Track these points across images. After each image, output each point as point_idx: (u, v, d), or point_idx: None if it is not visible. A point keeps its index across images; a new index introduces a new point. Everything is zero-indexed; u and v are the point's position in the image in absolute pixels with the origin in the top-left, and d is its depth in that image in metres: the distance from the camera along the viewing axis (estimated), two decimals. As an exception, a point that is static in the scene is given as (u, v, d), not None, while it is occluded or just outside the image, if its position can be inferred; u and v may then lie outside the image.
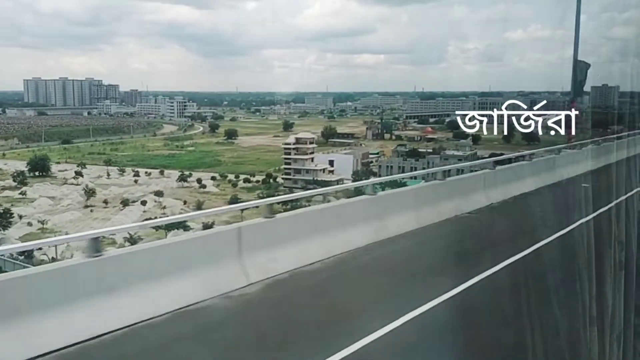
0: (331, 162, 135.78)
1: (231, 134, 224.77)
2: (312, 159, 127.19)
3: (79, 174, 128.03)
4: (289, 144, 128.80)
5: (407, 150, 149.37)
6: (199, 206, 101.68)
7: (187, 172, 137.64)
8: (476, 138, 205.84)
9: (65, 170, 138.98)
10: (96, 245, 6.17)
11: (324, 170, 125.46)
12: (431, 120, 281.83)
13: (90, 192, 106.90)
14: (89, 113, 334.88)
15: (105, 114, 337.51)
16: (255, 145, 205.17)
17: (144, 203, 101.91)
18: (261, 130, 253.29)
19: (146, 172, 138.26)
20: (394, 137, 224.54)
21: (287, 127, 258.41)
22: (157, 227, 75.76)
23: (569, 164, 21.90)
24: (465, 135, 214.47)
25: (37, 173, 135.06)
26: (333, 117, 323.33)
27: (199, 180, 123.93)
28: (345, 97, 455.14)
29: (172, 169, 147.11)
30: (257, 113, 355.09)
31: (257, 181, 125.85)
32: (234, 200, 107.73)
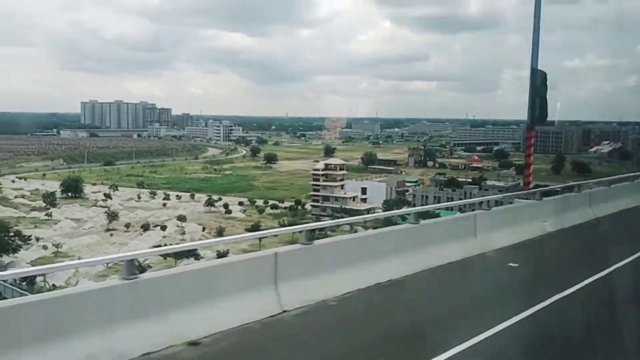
0: (364, 190, 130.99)
1: (270, 158, 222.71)
2: (342, 186, 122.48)
3: (108, 196, 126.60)
4: (318, 169, 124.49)
5: (446, 179, 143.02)
6: (220, 232, 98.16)
7: (216, 197, 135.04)
8: (522, 168, 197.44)
9: (99, 192, 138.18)
10: (131, 268, 5.86)
11: (353, 198, 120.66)
12: (478, 148, 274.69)
13: (112, 216, 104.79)
14: (139, 135, 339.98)
15: (154, 136, 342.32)
16: (293, 170, 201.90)
17: (163, 228, 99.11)
18: (302, 155, 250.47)
19: (177, 196, 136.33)
20: (437, 165, 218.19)
21: (329, 152, 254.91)
22: (165, 255, 72.39)
23: (619, 197, 20.42)
24: (509, 164, 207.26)
25: (69, 194, 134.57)
26: (378, 143, 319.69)
27: (225, 206, 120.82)
28: (394, 123, 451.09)
29: (204, 193, 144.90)
30: (302, 138, 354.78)
31: (285, 207, 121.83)
32: (256, 227, 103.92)
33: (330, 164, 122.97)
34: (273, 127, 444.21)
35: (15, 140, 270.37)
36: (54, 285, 66.74)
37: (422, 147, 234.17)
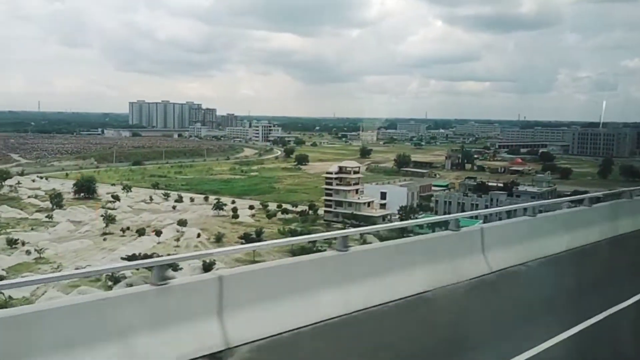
0: (383, 195, 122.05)
1: (301, 160, 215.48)
2: (357, 191, 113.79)
3: (116, 197, 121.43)
4: (331, 173, 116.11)
5: (475, 184, 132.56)
6: (219, 239, 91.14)
7: (230, 200, 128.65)
8: (567, 172, 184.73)
9: (114, 192, 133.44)
10: (161, 272, 5.66)
11: (368, 203, 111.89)
12: (523, 150, 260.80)
13: (110, 219, 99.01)
14: (180, 135, 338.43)
15: (195, 136, 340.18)
16: (322, 172, 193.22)
17: (159, 234, 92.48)
18: (337, 157, 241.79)
19: (190, 198, 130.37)
20: (475, 168, 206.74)
21: (365, 153, 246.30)
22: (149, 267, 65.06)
23: None
24: (553, 168, 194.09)
25: (82, 195, 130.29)
26: (420, 145, 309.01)
27: (234, 210, 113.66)
28: (442, 124, 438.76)
29: (222, 195, 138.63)
30: (343, 139, 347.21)
31: (298, 212, 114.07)
32: (259, 233, 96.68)
33: (345, 167, 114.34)
34: (317, 128, 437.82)
35: (57, 139, 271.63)
36: (10, 297, 60.75)
37: (460, 149, 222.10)
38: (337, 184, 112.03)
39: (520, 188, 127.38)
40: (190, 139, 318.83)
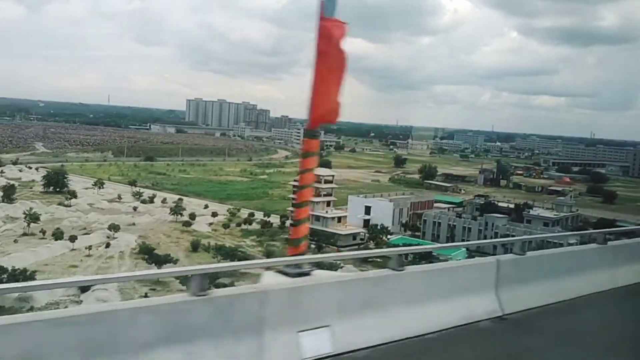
0: (368, 209, 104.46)
1: (322, 165, 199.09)
2: (329, 203, 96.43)
3: (73, 194, 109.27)
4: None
5: (482, 203, 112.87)
6: (143, 250, 76.40)
7: (206, 203, 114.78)
8: (610, 196, 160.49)
9: (89, 188, 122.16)
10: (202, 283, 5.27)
11: (340, 218, 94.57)
12: (575, 169, 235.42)
13: (33, 219, 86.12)
14: (223, 134, 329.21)
15: (239, 136, 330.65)
16: (344, 179, 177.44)
17: (73, 239, 78.58)
18: (370, 164, 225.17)
19: (163, 199, 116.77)
20: (511, 185, 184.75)
21: (399, 162, 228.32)
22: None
23: None
24: (598, 190, 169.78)
25: (51, 188, 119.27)
26: (467, 157, 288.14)
27: (191, 216, 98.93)
28: (504, 138, 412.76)
29: (206, 198, 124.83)
30: (392, 147, 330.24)
31: (262, 224, 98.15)
32: (196, 244, 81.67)
33: (320, 175, 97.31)
34: (372, 135, 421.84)
35: (95, 131, 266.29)
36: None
37: (497, 164, 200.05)
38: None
39: (533, 212, 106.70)
40: (231, 138, 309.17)
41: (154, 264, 66.59)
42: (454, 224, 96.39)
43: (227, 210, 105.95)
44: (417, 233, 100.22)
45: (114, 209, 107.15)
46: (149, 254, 73.11)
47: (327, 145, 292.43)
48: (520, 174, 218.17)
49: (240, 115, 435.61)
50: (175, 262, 67.82)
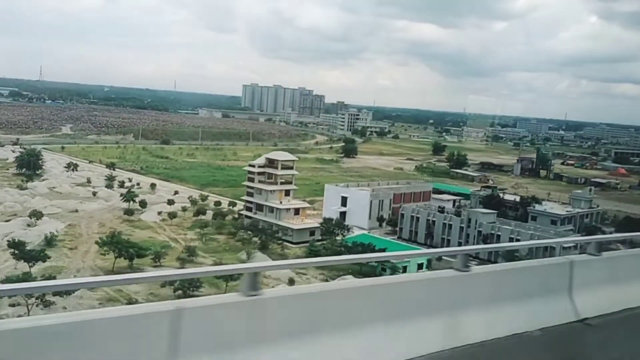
0: (344, 201, 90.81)
1: (349, 152, 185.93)
2: (287, 192, 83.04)
3: (29, 177, 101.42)
4: (254, 166, 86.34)
5: (486, 195, 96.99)
6: (49, 241, 66.37)
7: (177, 189, 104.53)
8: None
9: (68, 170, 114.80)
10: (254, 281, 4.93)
11: (297, 210, 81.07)
12: (635, 160, 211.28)
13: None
14: (269, 119, 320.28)
15: (283, 121, 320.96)
16: (365, 166, 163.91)
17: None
18: (408, 151, 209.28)
19: (137, 184, 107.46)
20: (551, 176, 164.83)
21: (438, 150, 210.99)
22: None
23: None
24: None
25: (24, 170, 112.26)
26: (518, 145, 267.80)
27: (142, 203, 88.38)
28: (573, 127, 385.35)
29: (188, 184, 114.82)
30: (445, 134, 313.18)
31: (218, 214, 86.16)
32: (112, 235, 70.63)
33: (274, 160, 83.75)
34: (431, 122, 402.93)
35: (132, 114, 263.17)
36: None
37: (537, 153, 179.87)
38: (259, 181, 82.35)
39: (539, 207, 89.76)
40: (275, 123, 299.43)
41: (23, 260, 56.12)
42: (434, 219, 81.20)
43: (189, 198, 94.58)
44: (397, 228, 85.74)
45: (72, 194, 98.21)
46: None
47: (370, 131, 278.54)
48: (571, 164, 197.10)
49: (295, 101, 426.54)
50: (45, 259, 56.95)
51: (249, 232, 75.01)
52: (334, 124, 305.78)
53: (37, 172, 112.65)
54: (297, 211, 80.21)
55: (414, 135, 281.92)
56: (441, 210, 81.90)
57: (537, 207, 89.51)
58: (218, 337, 4.72)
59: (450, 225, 79.82)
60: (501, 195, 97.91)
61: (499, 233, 75.45)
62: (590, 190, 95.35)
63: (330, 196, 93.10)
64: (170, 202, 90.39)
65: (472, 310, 6.47)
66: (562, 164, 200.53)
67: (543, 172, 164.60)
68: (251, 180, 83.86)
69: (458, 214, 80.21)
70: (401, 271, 59.92)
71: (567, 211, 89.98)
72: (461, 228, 78.96)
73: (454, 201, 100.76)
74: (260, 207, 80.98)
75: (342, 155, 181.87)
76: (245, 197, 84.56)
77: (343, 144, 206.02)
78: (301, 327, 5.16)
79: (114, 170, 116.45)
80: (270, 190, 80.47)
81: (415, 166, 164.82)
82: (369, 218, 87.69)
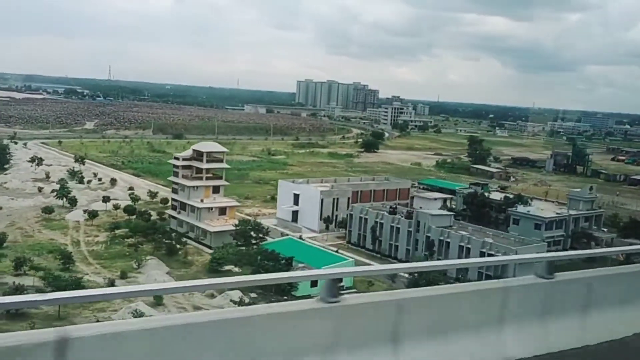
0: (296, 199, 78.81)
1: (370, 145, 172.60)
2: (215, 189, 71.41)
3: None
4: (178, 159, 75.25)
5: (468, 194, 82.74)
6: None
7: (132, 185, 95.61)
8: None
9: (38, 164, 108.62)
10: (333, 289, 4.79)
11: (222, 210, 69.51)
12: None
13: None
14: (313, 114, 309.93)
15: (326, 116, 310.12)
16: (381, 161, 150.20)
17: None
18: (444, 146, 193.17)
19: (99, 179, 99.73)
20: (588, 172, 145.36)
21: (474, 144, 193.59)
22: None
23: None
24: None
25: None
26: (572, 141, 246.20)
27: (72, 201, 79.61)
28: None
29: (156, 179, 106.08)
30: (498, 128, 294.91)
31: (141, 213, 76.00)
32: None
33: (200, 151, 71.81)
34: (491, 116, 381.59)
35: (173, 110, 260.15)
36: None
37: (572, 147, 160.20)
38: (182, 176, 71.15)
39: (522, 209, 74.44)
40: (317, 118, 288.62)
41: None
42: (381, 221, 67.71)
43: (131, 195, 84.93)
44: (347, 231, 72.83)
45: (18, 189, 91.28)
46: None
47: (412, 125, 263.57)
48: (622, 160, 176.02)
49: (349, 96, 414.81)
50: None
51: (160, 235, 64.21)
52: (377, 118, 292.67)
53: (5, 167, 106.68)
54: (223, 210, 68.68)
55: (461, 130, 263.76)
56: (392, 211, 68.20)
57: (521, 208, 74.11)
58: (295, 344, 4.56)
59: (398, 230, 66.29)
60: (487, 194, 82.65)
61: (449, 240, 61.39)
62: (591, 188, 78.55)
63: (284, 194, 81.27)
64: (106, 200, 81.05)
65: (561, 317, 6.18)
66: (613, 159, 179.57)
67: (581, 168, 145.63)
68: (176, 175, 73.00)
69: (409, 216, 66.46)
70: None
71: (556, 213, 74.29)
72: (408, 232, 65.34)
73: (445, 199, 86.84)
74: (184, 206, 70.05)
75: (362, 150, 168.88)
76: (172, 196, 73.68)
77: (371, 137, 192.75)
78: (382, 335, 4.93)
79: (83, 164, 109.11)
80: (193, 187, 69.28)
81: (437, 161, 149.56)
82: (320, 219, 75.23)
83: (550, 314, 6.11)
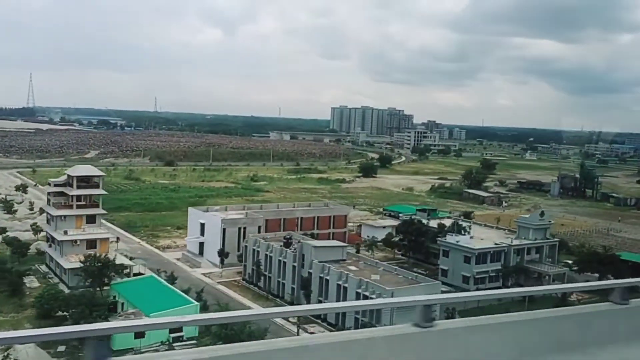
0: (203, 228, 68.86)
1: (368, 171, 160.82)
2: (89, 218, 61.72)
3: None
4: (50, 185, 66.18)
5: (403, 221, 71.14)
6: None
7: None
8: None
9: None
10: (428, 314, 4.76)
11: (92, 243, 59.78)
12: None
13: None
14: (338, 140, 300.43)
15: (350, 141, 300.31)
16: (372, 186, 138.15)
17: None
18: (457, 170, 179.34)
19: (31, 208, 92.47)
20: (598, 196, 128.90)
21: (488, 167, 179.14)
22: None
23: None
24: None
25: None
26: (606, 162, 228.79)
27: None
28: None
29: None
30: (529, 152, 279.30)
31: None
32: None
33: (72, 177, 61.89)
34: (531, 139, 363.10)
35: (194, 138, 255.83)
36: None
37: (580, 169, 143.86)
38: (53, 204, 61.82)
39: (453, 238, 62.13)
40: (340, 143, 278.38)
41: None
42: (271, 254, 56.69)
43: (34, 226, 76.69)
44: (243, 266, 62.06)
45: None
46: None
47: (434, 149, 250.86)
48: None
49: (383, 121, 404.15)
50: None
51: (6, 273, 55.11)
52: (402, 143, 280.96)
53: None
54: (92, 244, 59.07)
55: (487, 154, 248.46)
56: (286, 242, 57.05)
57: (451, 238, 61.76)
58: None
59: (284, 264, 55.23)
60: (425, 222, 70.35)
61: (328, 277, 49.93)
62: (542, 214, 65.05)
63: (194, 223, 71.42)
64: (1, 231, 73.03)
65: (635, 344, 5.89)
66: (639, 182, 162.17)
67: (590, 192, 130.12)
68: (48, 202, 64.13)
69: (287, 244, 55.54)
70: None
71: (495, 244, 61.47)
72: (293, 267, 54.20)
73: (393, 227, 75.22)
74: (54, 239, 60.89)
75: (362, 175, 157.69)
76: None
77: (377, 162, 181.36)
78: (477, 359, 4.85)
79: (25, 192, 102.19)
80: (61, 216, 60.12)
81: (432, 186, 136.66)
82: (222, 251, 64.73)
83: (625, 340, 5.85)
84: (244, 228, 66.58)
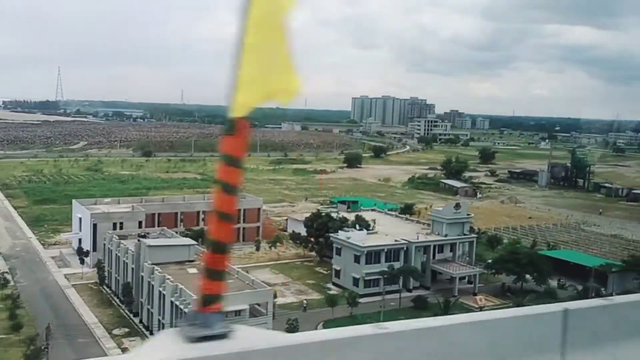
0: (80, 224, 61.25)
1: (352, 161, 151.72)
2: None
3: None
4: None
5: (312, 215, 62.34)
6: None
7: None
8: None
9: None
10: None
11: None
12: None
13: None
14: (349, 131, 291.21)
15: (362, 132, 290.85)
16: (350, 177, 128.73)
17: None
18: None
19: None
20: (590, 186, 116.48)
21: (486, 157, 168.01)
22: None
23: None
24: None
25: None
26: (623, 151, 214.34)
27: None
28: None
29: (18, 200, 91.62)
30: (547, 140, 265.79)
31: None
32: None
33: None
34: (557, 128, 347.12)
35: (198, 129, 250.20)
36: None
37: (572, 157, 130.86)
38: None
39: (344, 234, 52.91)
40: (349, 134, 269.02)
41: None
42: (120, 254, 48.39)
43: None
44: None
45: None
46: None
47: (442, 138, 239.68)
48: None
49: (404, 111, 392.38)
50: None
51: None
52: (412, 133, 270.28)
53: None
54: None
55: (499, 143, 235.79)
56: (141, 239, 48.65)
57: (343, 234, 52.51)
58: None
59: (127, 264, 46.95)
60: (335, 215, 61.19)
61: (154, 282, 41.40)
62: (457, 206, 54.90)
63: (76, 217, 63.75)
64: None
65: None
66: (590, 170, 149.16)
67: (582, 181, 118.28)
68: None
69: (140, 239, 47.08)
70: None
71: (395, 241, 51.95)
72: (133, 270, 45.82)
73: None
74: None
75: (346, 165, 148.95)
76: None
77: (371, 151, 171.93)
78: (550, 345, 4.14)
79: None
80: None
81: (409, 177, 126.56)
82: (94, 250, 56.86)
83: None
84: (121, 223, 58.47)
